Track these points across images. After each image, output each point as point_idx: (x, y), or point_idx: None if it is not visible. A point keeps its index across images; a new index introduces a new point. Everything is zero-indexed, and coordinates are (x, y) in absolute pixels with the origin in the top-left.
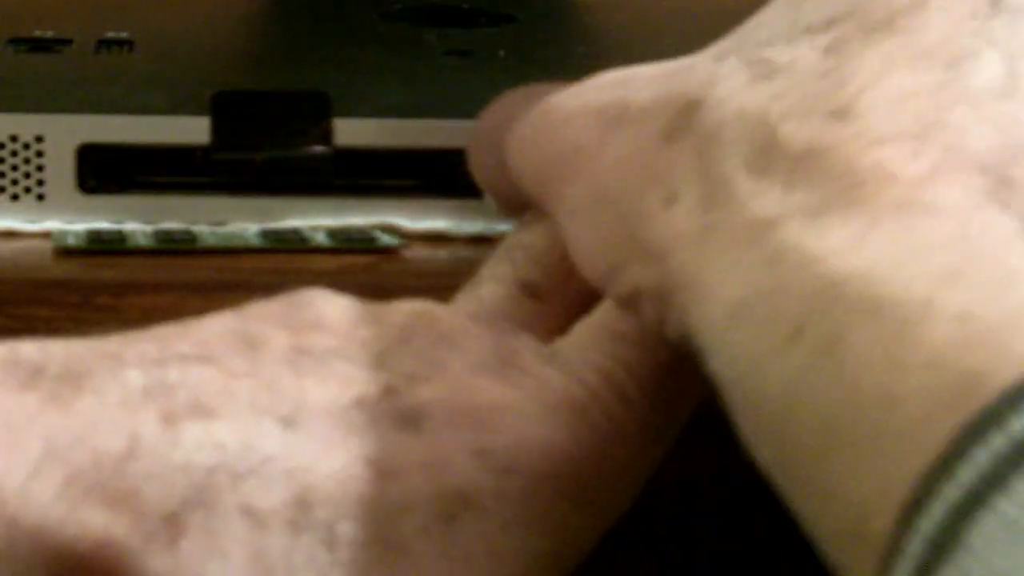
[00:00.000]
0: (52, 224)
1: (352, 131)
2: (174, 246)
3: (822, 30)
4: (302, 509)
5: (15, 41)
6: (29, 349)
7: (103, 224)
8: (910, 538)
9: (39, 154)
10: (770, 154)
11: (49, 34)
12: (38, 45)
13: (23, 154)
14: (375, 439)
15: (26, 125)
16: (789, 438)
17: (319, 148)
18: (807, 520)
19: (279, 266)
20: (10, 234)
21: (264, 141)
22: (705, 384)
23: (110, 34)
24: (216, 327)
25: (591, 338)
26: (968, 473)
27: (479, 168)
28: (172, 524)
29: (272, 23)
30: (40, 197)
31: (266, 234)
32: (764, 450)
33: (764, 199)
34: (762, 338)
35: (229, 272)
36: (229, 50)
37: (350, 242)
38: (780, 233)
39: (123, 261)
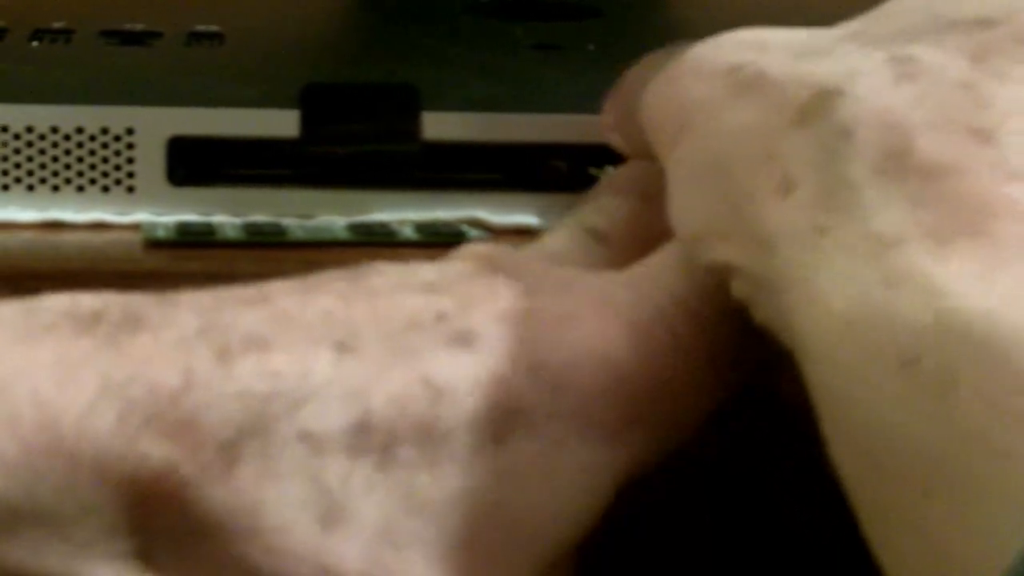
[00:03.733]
0: (142, 216)
1: (440, 125)
2: (262, 239)
3: (972, 29)
4: (359, 432)
5: (106, 34)
6: (89, 299)
7: (192, 216)
8: None
9: (129, 146)
10: (902, 163)
11: (140, 27)
12: (129, 38)
13: (114, 146)
14: (429, 360)
15: (117, 117)
16: (886, 465)
17: (407, 142)
18: (889, 552)
19: (366, 259)
20: (100, 226)
21: (353, 134)
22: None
23: (200, 27)
24: (275, 283)
25: (664, 265)
26: None
27: (611, 118)
28: (229, 452)
29: (361, 17)
30: (130, 189)
31: (354, 227)
32: (854, 470)
33: (889, 213)
34: (873, 359)
35: (317, 265)
36: (318, 44)
37: (437, 236)
38: (902, 254)
39: (212, 253)
